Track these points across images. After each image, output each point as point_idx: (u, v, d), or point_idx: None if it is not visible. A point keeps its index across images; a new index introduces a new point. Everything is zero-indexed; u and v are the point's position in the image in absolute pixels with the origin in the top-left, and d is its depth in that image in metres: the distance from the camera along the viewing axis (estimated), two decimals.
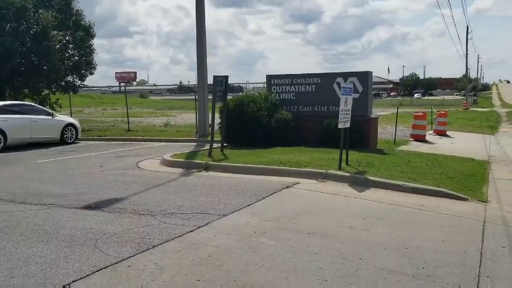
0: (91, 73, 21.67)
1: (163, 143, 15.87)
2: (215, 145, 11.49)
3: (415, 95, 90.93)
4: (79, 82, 21.87)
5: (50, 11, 19.55)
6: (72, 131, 16.47)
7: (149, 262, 4.04)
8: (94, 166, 10.21)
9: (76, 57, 21.22)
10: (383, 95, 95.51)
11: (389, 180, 7.96)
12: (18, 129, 14.37)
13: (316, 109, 13.62)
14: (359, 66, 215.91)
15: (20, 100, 20.31)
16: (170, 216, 5.70)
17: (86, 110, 42.79)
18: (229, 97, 12.52)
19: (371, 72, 13.21)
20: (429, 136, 17.61)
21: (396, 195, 7.29)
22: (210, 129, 12.51)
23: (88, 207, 6.24)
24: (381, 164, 9.62)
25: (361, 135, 12.64)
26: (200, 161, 9.80)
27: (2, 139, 13.83)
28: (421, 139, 15.80)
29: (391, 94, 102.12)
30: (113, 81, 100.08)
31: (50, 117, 15.71)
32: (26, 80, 18.93)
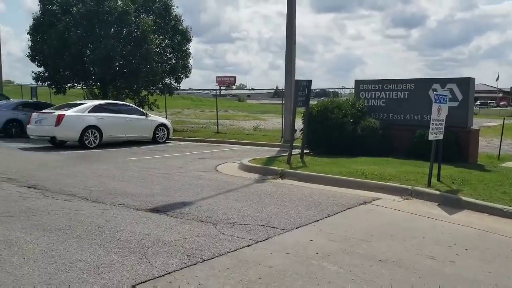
0: (187, 76, 22.42)
1: (248, 147, 15.81)
2: (296, 151, 11.09)
3: None
4: (175, 84, 22.73)
5: (151, 16, 20.56)
6: (164, 131, 17.06)
7: (192, 279, 3.75)
8: (175, 167, 10.34)
9: (173, 61, 22.06)
10: (491, 104, 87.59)
11: (486, 202, 6.93)
12: (113, 127, 15.17)
13: (408, 118, 12.58)
14: (466, 73, 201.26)
15: (121, 100, 21.72)
16: (231, 227, 5.41)
17: (186, 111, 44.66)
18: (313, 102, 12.04)
19: (473, 78, 11.89)
20: None
21: (493, 221, 6.30)
22: (294, 134, 12.14)
23: (154, 210, 6.18)
24: (479, 183, 8.50)
25: (459, 148, 11.44)
26: (276, 168, 9.45)
27: (98, 136, 14.69)
28: None
29: (501, 103, 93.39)
30: (215, 84, 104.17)
31: (144, 117, 16.42)
32: (127, 81, 20.06)
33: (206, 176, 9.20)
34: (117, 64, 19.35)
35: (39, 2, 20.37)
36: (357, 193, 7.75)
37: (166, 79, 22.23)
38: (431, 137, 7.92)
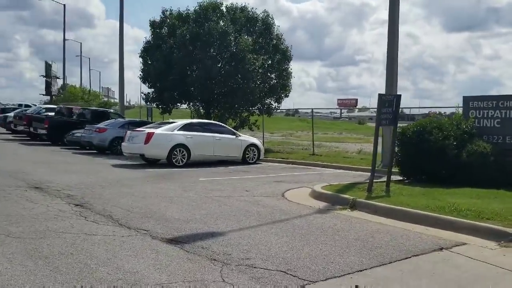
0: (286, 96, 21.79)
1: (340, 171, 14.45)
2: (384, 179, 9.61)
3: None
4: (276, 104, 22.22)
5: (252, 36, 20.44)
6: (254, 152, 16.49)
7: None
8: (241, 190, 9.56)
9: (274, 80, 21.62)
10: None
11: None
12: (202, 146, 15.01)
13: None
14: None
15: (224, 121, 21.84)
16: (244, 270, 4.37)
17: (299, 133, 43.90)
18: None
19: None
20: None
21: None
22: (392, 158, 10.57)
23: (173, 240, 5.40)
24: None
25: None
26: (348, 197, 8.09)
27: (186, 154, 14.61)
28: None
29: None
30: (336, 107, 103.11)
31: (234, 136, 16.05)
32: (227, 101, 20.06)
33: (266, 202, 8.23)
34: (215, 84, 19.42)
35: (150, 26, 21.54)
36: (438, 234, 6.12)
37: (267, 99, 21.81)
38: None
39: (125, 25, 35.92)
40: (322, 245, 5.37)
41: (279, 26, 21.43)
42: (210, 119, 21.75)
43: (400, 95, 9.38)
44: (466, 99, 11.53)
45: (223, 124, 17.04)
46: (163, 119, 21.37)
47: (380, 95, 8.94)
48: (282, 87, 21.46)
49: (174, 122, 15.51)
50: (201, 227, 6.08)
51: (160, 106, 22.40)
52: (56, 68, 58.20)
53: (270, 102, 21.87)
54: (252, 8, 21.14)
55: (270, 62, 21.10)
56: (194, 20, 19.86)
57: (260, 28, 20.67)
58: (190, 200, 8.24)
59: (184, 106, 23.34)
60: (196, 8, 20.42)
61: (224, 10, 20.89)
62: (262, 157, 16.86)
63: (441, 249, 5.46)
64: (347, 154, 19.20)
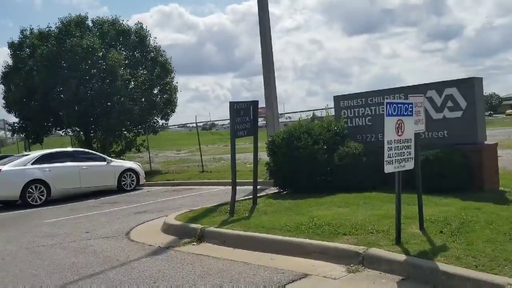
0: (173, 111, 20.37)
1: (225, 187, 13.25)
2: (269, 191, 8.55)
3: None
4: (163, 121, 20.71)
5: (122, 51, 18.80)
6: (132, 177, 14.83)
7: None
8: (80, 231, 7.98)
9: (158, 96, 20.10)
10: None
11: (490, 275, 4.06)
12: (64, 179, 13.08)
13: None
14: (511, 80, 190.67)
15: (106, 145, 19.84)
16: None
17: (209, 147, 42.12)
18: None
19: (479, 78, 8.97)
20: None
21: None
22: (256, 171, 9.51)
23: None
24: (485, 229, 5.61)
25: (469, 173, 8.47)
26: (197, 227, 6.81)
27: (45, 191, 12.61)
28: None
29: None
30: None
31: (105, 163, 14.27)
32: (101, 123, 18.13)
33: (98, 246, 6.72)
34: (85, 106, 17.45)
35: (9, 47, 19.05)
36: (282, 264, 5.06)
37: (152, 117, 20.21)
38: (389, 168, 5.13)
39: None
40: None
41: (155, 38, 20.02)
42: (91, 145, 19.73)
43: (256, 101, 8.38)
44: (337, 99, 10.91)
45: (90, 151, 15.16)
46: (30, 150, 18.92)
47: (232, 103, 7.85)
48: (167, 103, 19.99)
49: (27, 155, 13.44)
50: None
51: (31, 136, 19.91)
52: None
53: (155, 120, 20.28)
54: (123, 20, 19.54)
55: (148, 75, 19.53)
56: (56, 37, 17.79)
57: (134, 41, 19.08)
58: (10, 253, 6.51)
59: (61, 132, 21.00)
60: (58, 24, 18.36)
61: (90, 24, 19.03)
62: (142, 182, 15.22)
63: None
64: (240, 167, 18.13)
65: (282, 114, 26.28)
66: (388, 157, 5.06)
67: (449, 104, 8.97)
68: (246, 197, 9.37)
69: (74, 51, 16.73)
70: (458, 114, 8.85)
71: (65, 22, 18.17)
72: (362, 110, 10.33)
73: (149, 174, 18.23)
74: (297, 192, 9.54)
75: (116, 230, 7.81)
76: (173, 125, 22.69)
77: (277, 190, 10.15)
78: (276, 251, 5.50)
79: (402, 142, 5.24)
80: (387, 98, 9.24)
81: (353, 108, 10.40)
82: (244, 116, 8.04)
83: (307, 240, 5.46)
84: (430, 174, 8.39)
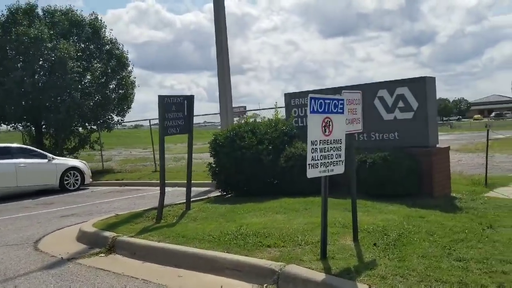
0: (129, 107, 19.42)
1: (175, 188, 12.47)
2: (208, 195, 7.84)
3: None
4: (119, 118, 19.72)
5: (76, 42, 17.78)
6: (76, 176, 13.90)
7: None
8: None
9: (114, 91, 19.11)
10: (507, 115, 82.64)
11: None
12: None
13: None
14: (481, 86, 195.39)
15: (59, 142, 18.73)
16: None
17: (173, 146, 41.24)
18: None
19: (432, 78, 8.48)
20: None
21: None
22: (190, 172, 8.74)
23: None
24: (424, 241, 5.07)
25: (419, 177, 7.97)
26: (109, 235, 6.07)
27: None
28: None
29: None
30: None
31: (46, 160, 13.30)
32: (50, 118, 17.04)
33: None
34: (32, 99, 16.36)
35: None
36: (190, 284, 4.36)
37: (108, 113, 19.21)
38: (313, 173, 4.51)
39: None
40: None
41: (111, 30, 19.06)
42: (43, 141, 18.63)
43: (192, 96, 7.66)
44: (288, 96, 10.30)
45: (31, 148, 14.10)
46: None
47: (161, 97, 7.11)
48: (123, 98, 19.04)
49: None
50: None
51: None
52: None
53: (110, 116, 19.29)
54: (77, 10, 18.50)
55: (107, 70, 18.54)
56: (1, 26, 16.64)
57: (87, 32, 18.06)
58: None
59: (9, 127, 19.77)
60: (5, 12, 17.21)
61: (41, 13, 17.93)
62: (88, 181, 14.30)
63: None
64: (196, 167, 17.35)
65: (247, 111, 25.60)
66: (312, 159, 4.43)
67: (400, 104, 8.46)
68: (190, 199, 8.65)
69: (20, 40, 15.64)
70: (409, 115, 8.35)
71: (12, 9, 17.02)
72: None
73: (100, 173, 17.34)
74: (240, 196, 8.91)
75: (27, 237, 6.96)
76: (139, 120, 21.62)
77: (220, 193, 9.46)
78: (188, 266, 4.81)
79: (330, 143, 4.62)
80: (382, 99, 8.67)
81: (305, 107, 9.78)
82: (176, 111, 7.32)
83: (221, 254, 4.78)
84: (378, 179, 7.88)
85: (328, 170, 4.62)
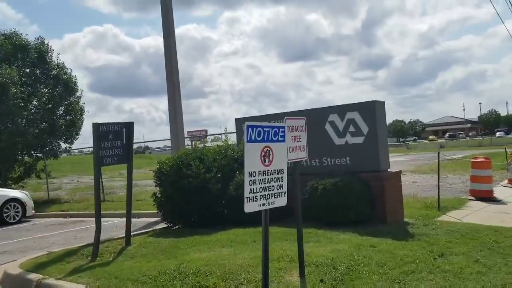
0: (77, 134, 18.56)
1: (122, 219, 11.76)
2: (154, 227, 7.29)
3: (497, 134, 79.90)
4: (67, 145, 18.80)
5: (21, 67, 16.95)
6: (17, 208, 12.97)
7: None
8: None
9: (61, 118, 18.23)
10: (460, 135, 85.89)
11: None
12: None
13: (304, 164, 8.91)
14: (435, 108, 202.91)
15: (6, 170, 17.58)
16: None
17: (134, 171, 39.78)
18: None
19: (381, 102, 8.40)
20: (502, 189, 12.01)
21: None
22: (130, 204, 8.18)
23: None
24: (373, 274, 4.78)
25: (371, 202, 7.78)
26: (33, 278, 5.46)
27: None
28: (485, 196, 10.36)
29: (470, 134, 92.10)
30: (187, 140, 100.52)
31: None
32: None
33: None
34: None
35: None
36: None
37: (55, 140, 18.27)
38: (252, 207, 4.15)
39: None
40: None
41: (59, 54, 18.32)
42: None
43: (131, 123, 7.21)
44: (238, 121, 9.99)
45: None
46: None
47: (96, 125, 6.62)
48: (71, 125, 18.19)
49: None
50: None
51: None
52: None
53: (57, 143, 18.35)
54: (21, 34, 17.65)
55: (53, 96, 17.70)
56: None
57: (33, 56, 17.27)
58: None
59: None
60: None
61: None
62: (30, 213, 13.37)
63: None
64: (148, 194, 16.66)
65: (208, 135, 25.12)
66: (250, 192, 4.08)
67: (351, 129, 8.31)
68: (134, 233, 8.09)
69: None
70: (360, 139, 8.20)
71: None
72: None
73: (46, 203, 16.39)
74: (188, 227, 8.44)
75: None
76: (89, 147, 20.77)
77: (166, 225, 8.94)
78: None
79: (271, 174, 4.28)
80: (333, 124, 8.43)
81: None
82: (113, 140, 6.84)
83: None
84: (330, 205, 7.61)
85: (268, 203, 4.27)
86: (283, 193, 4.43)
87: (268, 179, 4.24)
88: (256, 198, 4.12)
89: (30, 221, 13.20)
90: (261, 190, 4.16)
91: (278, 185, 4.36)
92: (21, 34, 17.62)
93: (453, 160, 20.84)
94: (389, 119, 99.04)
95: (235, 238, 7.04)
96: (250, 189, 4.06)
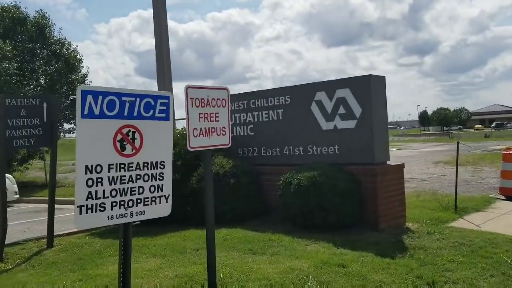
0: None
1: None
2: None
3: None
4: (70, 126, 17.92)
5: (22, 41, 16.07)
6: None
7: None
8: None
9: (63, 96, 17.31)
10: (508, 125, 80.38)
11: None
12: None
13: (286, 152, 7.34)
14: (483, 96, 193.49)
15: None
16: None
17: None
18: None
19: (381, 77, 6.67)
20: None
21: None
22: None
23: None
24: None
25: (359, 203, 6.13)
26: None
27: None
28: None
29: None
30: None
31: None
32: None
33: None
34: None
35: None
36: None
37: (60, 120, 17.39)
38: (88, 221, 2.65)
39: None
40: None
41: (61, 29, 17.32)
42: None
43: (54, 97, 5.91)
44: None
45: None
46: None
47: (2, 98, 5.29)
48: (75, 104, 17.22)
49: None
50: None
51: None
52: None
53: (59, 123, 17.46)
54: (21, 7, 16.74)
55: (53, 73, 16.75)
56: None
57: (31, 31, 16.33)
58: None
59: None
60: None
61: None
62: (12, 198, 12.42)
63: None
64: None
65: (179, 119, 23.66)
66: (88, 198, 2.57)
67: (341, 110, 6.63)
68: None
69: None
70: (351, 124, 6.52)
71: None
72: (243, 116, 7.92)
73: (41, 186, 15.63)
74: (143, 224, 7.06)
75: None
76: None
77: None
78: None
79: (136, 169, 2.77)
80: (320, 103, 6.84)
81: (234, 114, 7.96)
82: (28, 117, 5.50)
83: None
84: (306, 206, 6.01)
85: (131, 213, 2.77)
86: (163, 198, 2.93)
87: (130, 176, 2.73)
88: (103, 207, 2.62)
89: (13, 206, 12.31)
90: (114, 194, 2.66)
91: (152, 186, 2.85)
92: (20, 7, 16.69)
93: (495, 151, 18.51)
94: (434, 107, 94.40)
95: (179, 242, 5.66)
96: (89, 192, 2.56)
